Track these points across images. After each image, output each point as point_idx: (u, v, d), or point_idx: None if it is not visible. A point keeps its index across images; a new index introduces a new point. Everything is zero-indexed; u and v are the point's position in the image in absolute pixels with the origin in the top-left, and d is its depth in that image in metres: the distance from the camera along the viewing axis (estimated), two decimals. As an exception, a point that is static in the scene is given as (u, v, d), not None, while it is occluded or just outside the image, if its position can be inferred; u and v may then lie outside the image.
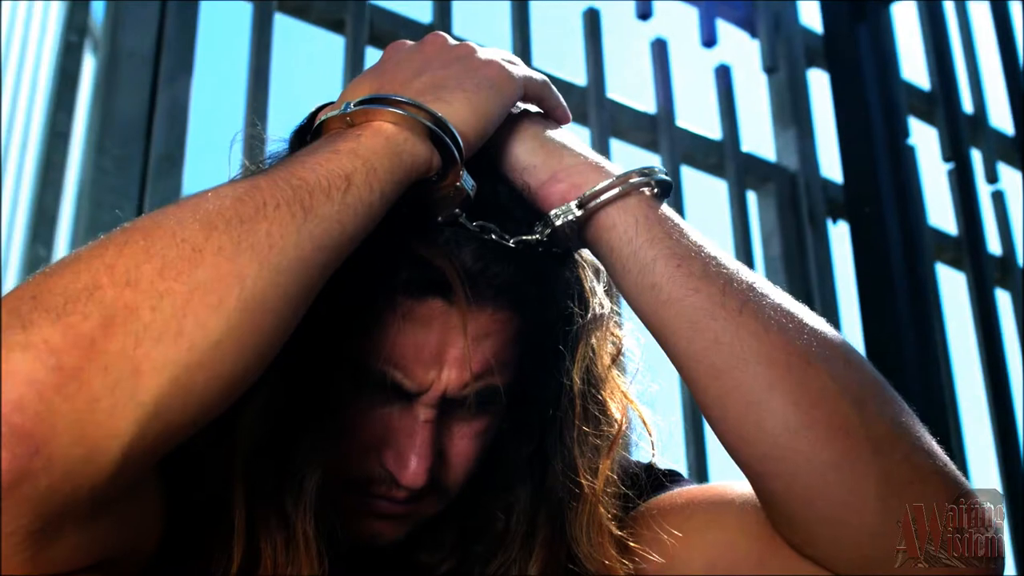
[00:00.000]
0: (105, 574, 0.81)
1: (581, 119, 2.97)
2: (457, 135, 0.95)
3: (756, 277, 0.99)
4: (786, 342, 0.94)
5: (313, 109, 1.04)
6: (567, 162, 1.04)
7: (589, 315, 1.10)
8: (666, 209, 1.03)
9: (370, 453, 1.02)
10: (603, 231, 1.02)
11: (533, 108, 1.10)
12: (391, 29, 2.70)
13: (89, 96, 2.33)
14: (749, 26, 3.44)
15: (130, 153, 2.25)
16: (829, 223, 3.35)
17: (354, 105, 0.94)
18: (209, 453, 0.95)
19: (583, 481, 1.07)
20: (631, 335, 1.16)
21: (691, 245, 0.99)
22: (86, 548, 0.77)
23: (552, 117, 1.10)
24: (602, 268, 1.09)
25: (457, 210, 0.99)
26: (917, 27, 3.73)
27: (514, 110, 1.07)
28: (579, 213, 1.01)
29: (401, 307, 0.99)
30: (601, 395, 1.11)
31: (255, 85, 2.45)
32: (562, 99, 1.11)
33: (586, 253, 1.11)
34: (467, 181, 0.98)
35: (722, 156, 3.22)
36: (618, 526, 1.08)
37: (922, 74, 3.70)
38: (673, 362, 1.00)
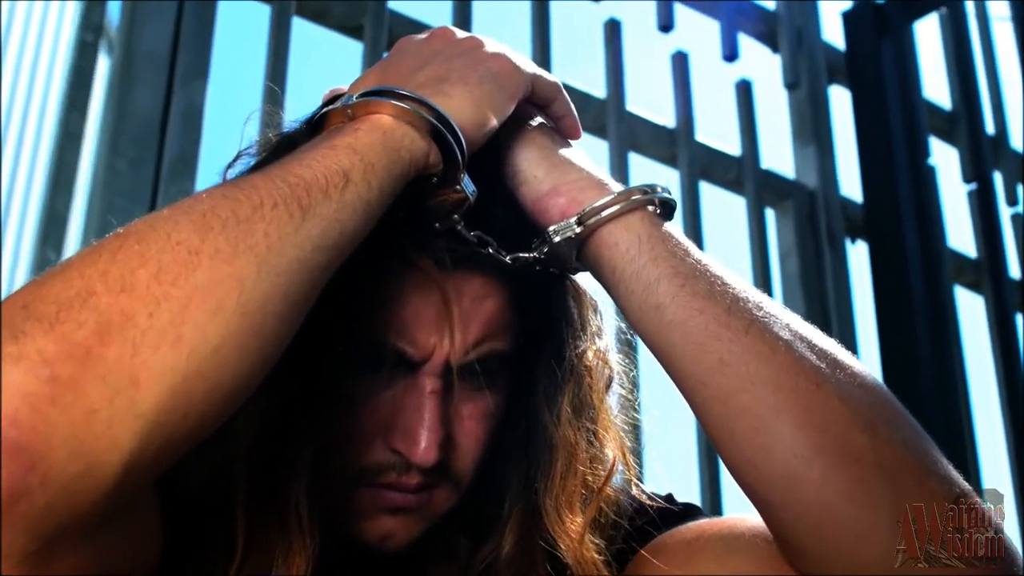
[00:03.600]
0: None
1: (600, 131, 2.94)
2: (458, 131, 0.92)
3: (763, 297, 0.96)
4: (794, 364, 0.89)
5: (326, 97, 1.02)
6: (570, 177, 1.01)
7: (584, 341, 1.08)
8: (670, 227, 0.99)
9: (377, 438, 1.00)
10: (604, 249, 0.98)
11: (542, 120, 1.07)
12: (409, 35, 2.64)
13: (103, 96, 2.30)
14: (771, 41, 3.41)
15: (144, 155, 2.22)
16: (848, 242, 3.32)
17: (356, 98, 0.92)
18: (206, 457, 0.92)
19: (566, 531, 1.05)
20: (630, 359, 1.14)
21: (696, 264, 0.96)
22: (86, 567, 0.74)
23: (560, 128, 1.08)
24: (599, 295, 1.06)
25: (455, 216, 0.97)
26: (939, 45, 3.70)
27: (527, 122, 1.04)
28: (579, 230, 0.98)
29: (398, 280, 0.97)
30: (594, 426, 1.09)
31: (271, 89, 2.41)
32: (573, 108, 1.08)
33: (583, 280, 1.09)
34: (467, 185, 0.96)
35: (741, 172, 3.19)
36: (618, 560, 1.05)
37: (942, 93, 3.67)
38: (678, 385, 0.96)
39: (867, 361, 3.09)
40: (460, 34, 1.05)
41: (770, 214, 3.28)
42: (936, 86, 3.61)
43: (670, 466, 1.18)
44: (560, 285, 1.09)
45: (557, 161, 1.02)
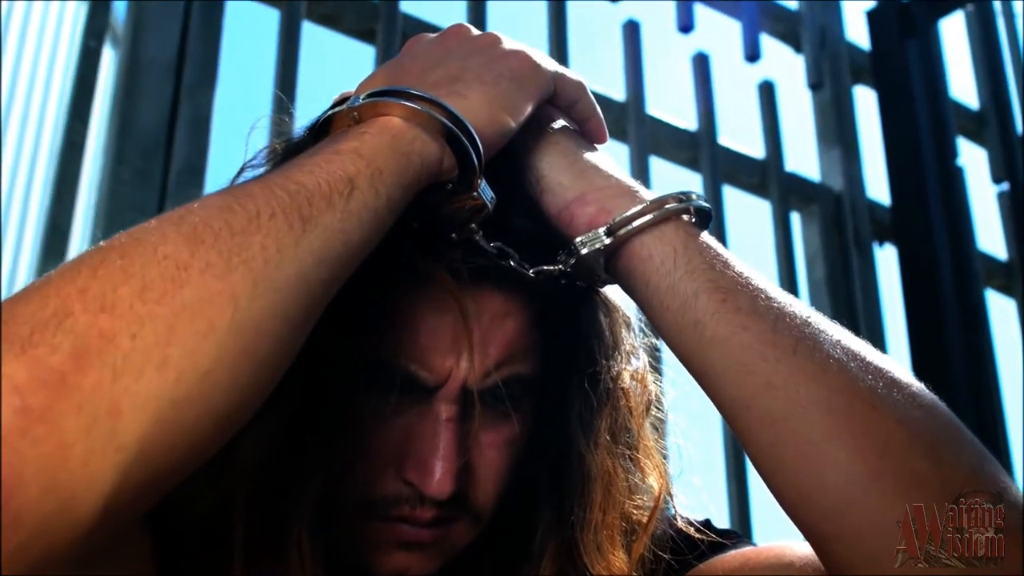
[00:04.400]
0: None
1: (620, 135, 2.88)
2: (474, 132, 0.86)
3: (811, 311, 0.88)
4: (847, 384, 0.83)
5: (335, 101, 0.94)
6: (597, 184, 0.94)
7: (619, 361, 1.01)
8: (706, 237, 0.93)
9: (388, 468, 0.93)
10: (637, 262, 0.91)
11: (565, 123, 1.00)
12: (422, 33, 2.57)
13: (108, 105, 2.24)
14: (794, 41, 3.35)
15: (150, 165, 2.15)
16: (875, 246, 3.25)
17: (363, 99, 0.85)
18: (201, 488, 0.86)
19: (608, 567, 0.98)
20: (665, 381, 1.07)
21: (736, 277, 0.88)
22: None
23: (585, 131, 1.01)
24: (631, 310, 1.00)
25: (473, 226, 0.90)
26: (964, 43, 3.62)
27: (550, 125, 0.97)
28: (608, 241, 0.91)
29: (409, 294, 0.91)
30: (635, 455, 1.02)
31: (280, 97, 2.34)
32: (599, 110, 1.01)
33: (613, 294, 1.02)
34: (486, 192, 0.89)
35: (765, 176, 3.12)
36: None
37: (966, 92, 3.59)
38: (720, 409, 0.89)
39: None
40: (476, 32, 0.98)
41: (795, 218, 3.21)
42: (960, 85, 3.54)
43: (692, 482, 1.10)
44: (589, 300, 1.02)
45: (584, 167, 0.96)
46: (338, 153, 0.80)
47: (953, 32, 3.63)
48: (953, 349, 3.05)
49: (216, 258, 0.69)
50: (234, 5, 2.41)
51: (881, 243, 3.29)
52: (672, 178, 2.95)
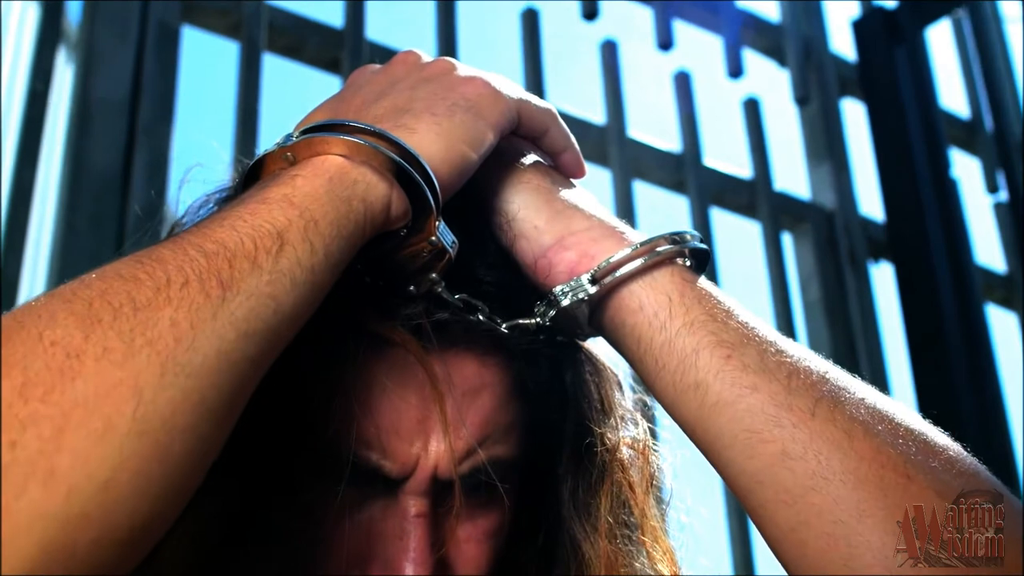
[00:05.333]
0: None
1: (601, 159, 2.76)
2: (427, 167, 0.74)
3: (828, 365, 0.77)
4: (877, 451, 0.72)
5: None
6: (577, 225, 0.83)
7: (614, 428, 0.90)
8: (705, 283, 0.81)
9: (351, 571, 0.81)
10: (626, 314, 0.80)
11: (537, 157, 0.88)
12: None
13: (62, 148, 2.11)
14: (777, 55, 3.24)
15: (105, 211, 2.02)
16: (871, 264, 3.16)
17: (296, 136, 0.73)
18: None
19: None
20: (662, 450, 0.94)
21: (741, 328, 0.77)
22: None
23: (560, 165, 0.89)
24: (620, 366, 0.88)
25: (434, 276, 0.79)
26: (951, 51, 3.53)
27: (520, 160, 0.85)
28: (593, 290, 0.80)
29: (363, 363, 0.79)
30: (640, 538, 0.90)
31: (243, 131, 2.22)
32: (573, 140, 0.89)
33: (597, 348, 0.90)
34: (445, 235, 0.77)
35: (754, 196, 3.01)
36: None
37: (953, 101, 3.50)
38: (729, 484, 0.77)
39: (900, 389, 2.98)
40: (426, 59, 0.86)
41: (787, 239, 3.11)
42: (945, 95, 3.44)
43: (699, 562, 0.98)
44: (573, 357, 0.90)
45: (561, 207, 0.84)
46: (265, 202, 0.68)
47: (937, 40, 3.55)
48: (956, 367, 2.94)
49: (115, 341, 0.58)
50: (190, 37, 2.29)
51: (876, 261, 3.21)
52: (657, 202, 2.83)
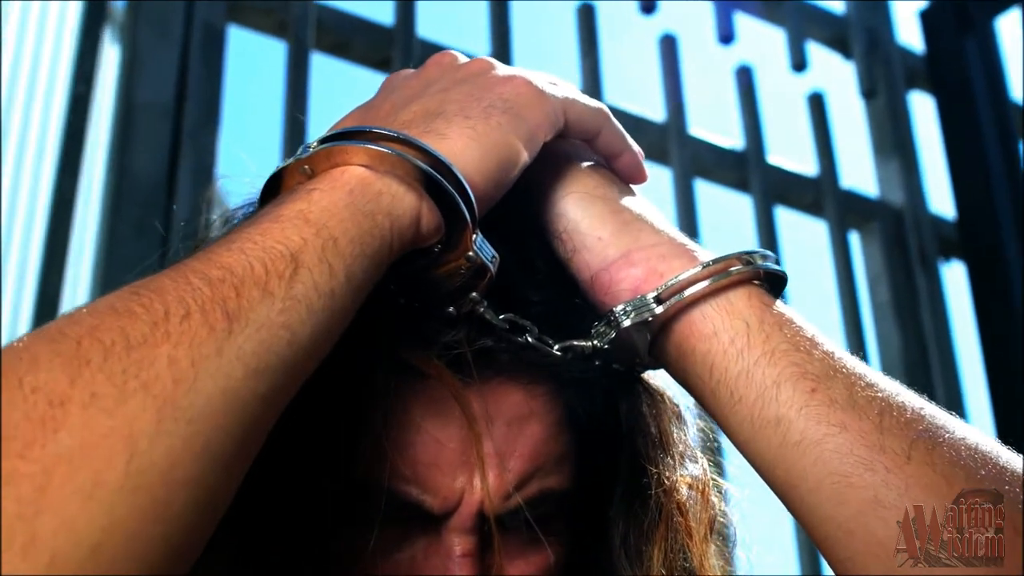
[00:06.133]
0: None
1: (661, 158, 2.68)
2: (460, 176, 0.66)
3: (923, 401, 0.70)
4: None
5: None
6: (646, 240, 0.75)
7: (673, 468, 0.82)
8: (784, 308, 0.74)
9: None
10: (697, 340, 0.72)
11: (597, 160, 0.81)
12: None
13: (104, 154, 2.04)
14: (843, 47, 3.14)
15: (150, 218, 1.96)
16: (942, 263, 3.06)
17: (315, 145, 0.66)
18: None
19: None
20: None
21: (828, 359, 0.70)
22: None
23: (617, 169, 0.81)
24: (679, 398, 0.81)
25: (474, 295, 0.71)
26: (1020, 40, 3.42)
27: (578, 163, 0.78)
28: (659, 310, 0.72)
29: (399, 395, 0.72)
30: None
31: (291, 134, 2.15)
32: (631, 141, 0.81)
33: (655, 379, 0.83)
34: (484, 250, 0.70)
35: (819, 193, 2.92)
36: None
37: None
38: (810, 531, 0.69)
39: (973, 394, 2.87)
40: (463, 59, 0.79)
41: (855, 238, 3.02)
42: (1018, 86, 3.34)
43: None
44: (630, 388, 0.82)
45: (629, 218, 0.76)
46: (278, 220, 0.62)
47: (1008, 30, 3.44)
48: (1032, 370, 2.83)
49: (105, 385, 0.51)
50: (236, 38, 2.22)
51: (948, 260, 3.11)
52: (720, 201, 2.75)
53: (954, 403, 2.80)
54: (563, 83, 0.79)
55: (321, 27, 2.31)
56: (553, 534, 0.79)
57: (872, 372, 0.71)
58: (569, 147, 0.81)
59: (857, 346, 2.74)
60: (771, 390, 0.69)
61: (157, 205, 1.97)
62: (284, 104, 2.19)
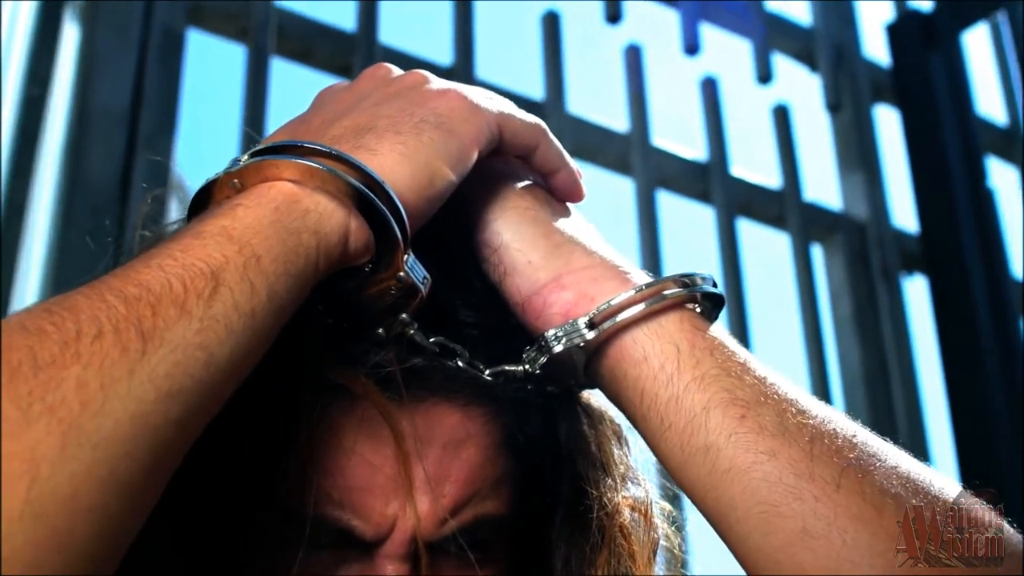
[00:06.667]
0: None
1: (623, 168, 2.68)
2: (392, 193, 0.65)
3: (856, 427, 0.69)
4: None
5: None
6: (578, 262, 0.74)
7: (614, 489, 0.81)
8: (718, 331, 0.72)
9: None
10: (628, 365, 0.71)
11: (531, 179, 0.79)
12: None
13: (57, 159, 2.01)
14: (808, 60, 3.15)
15: (102, 226, 1.93)
16: (904, 277, 3.07)
17: (245, 159, 0.65)
18: None
19: None
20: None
21: (759, 384, 0.69)
22: None
23: (554, 188, 0.80)
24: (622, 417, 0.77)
25: (404, 316, 0.70)
26: (988, 56, 3.43)
27: (513, 183, 0.77)
28: (590, 336, 0.71)
29: (327, 415, 0.71)
30: None
31: (248, 143, 2.12)
32: (568, 158, 0.79)
33: (595, 398, 0.81)
34: (416, 271, 0.68)
35: (782, 206, 2.92)
36: None
37: (993, 107, 3.41)
38: (741, 561, 0.68)
39: (933, 408, 2.88)
40: (397, 72, 0.77)
41: (817, 251, 3.02)
42: (983, 100, 3.35)
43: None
44: (569, 409, 0.81)
45: (560, 240, 0.75)
46: (200, 236, 0.60)
47: (973, 45, 3.45)
48: (992, 386, 2.85)
49: (9, 408, 0.49)
50: (195, 42, 2.19)
51: (910, 273, 3.12)
52: (682, 212, 2.75)
53: (914, 417, 2.80)
54: (498, 98, 0.77)
55: (282, 32, 2.29)
56: (491, 560, 0.78)
57: (806, 397, 0.70)
58: (503, 166, 0.79)
59: (818, 359, 2.75)
60: (700, 416, 0.68)
61: (111, 213, 1.94)
62: (243, 111, 2.17)
